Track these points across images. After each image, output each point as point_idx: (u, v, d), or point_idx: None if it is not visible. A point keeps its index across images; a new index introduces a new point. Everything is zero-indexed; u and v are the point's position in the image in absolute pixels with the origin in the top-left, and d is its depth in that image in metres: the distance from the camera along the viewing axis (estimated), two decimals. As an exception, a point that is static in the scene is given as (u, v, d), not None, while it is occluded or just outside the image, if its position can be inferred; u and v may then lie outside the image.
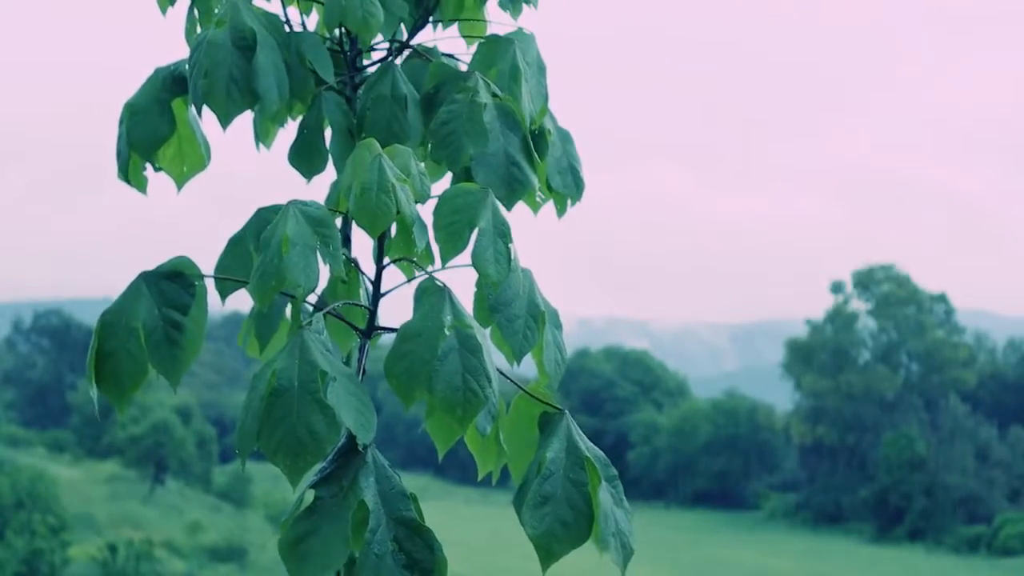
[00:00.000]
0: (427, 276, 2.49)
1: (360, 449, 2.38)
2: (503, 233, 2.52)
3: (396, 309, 2.56)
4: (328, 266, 2.45)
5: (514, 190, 2.74)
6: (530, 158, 2.79)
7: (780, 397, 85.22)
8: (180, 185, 2.97)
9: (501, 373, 2.54)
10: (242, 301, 2.59)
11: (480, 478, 2.78)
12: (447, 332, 2.40)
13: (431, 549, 2.38)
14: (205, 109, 2.68)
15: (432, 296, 2.45)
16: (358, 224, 2.45)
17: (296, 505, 2.37)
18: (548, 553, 2.43)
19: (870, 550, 65.96)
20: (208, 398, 77.45)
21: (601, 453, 2.53)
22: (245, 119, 2.77)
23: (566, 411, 2.54)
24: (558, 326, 2.70)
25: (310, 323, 2.40)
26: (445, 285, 2.47)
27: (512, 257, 2.52)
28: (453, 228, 2.49)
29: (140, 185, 2.92)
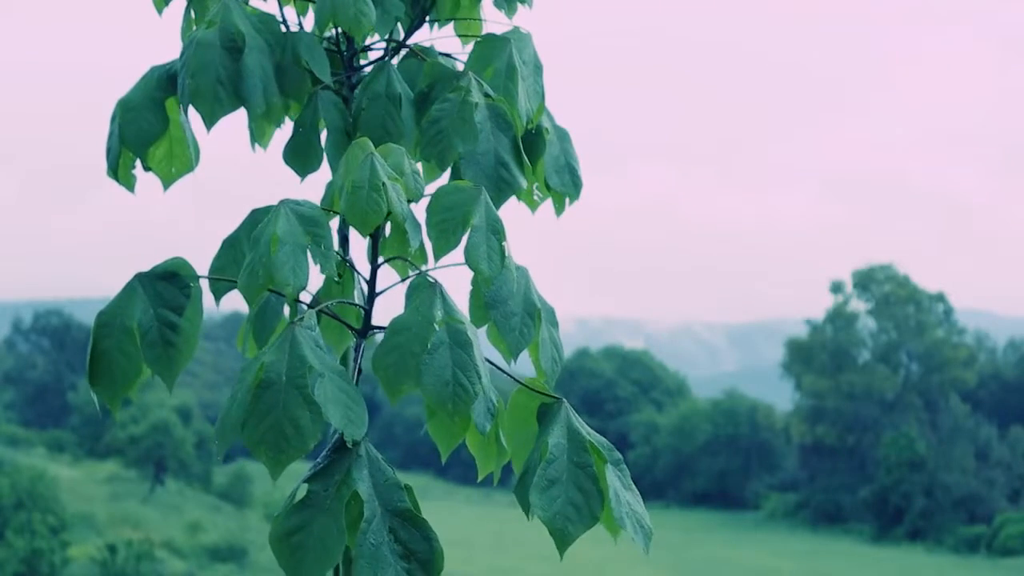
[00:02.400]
0: (420, 273, 2.49)
1: (350, 446, 2.37)
2: (496, 230, 2.52)
3: (392, 309, 2.56)
4: (319, 265, 2.44)
5: (501, 191, 2.75)
6: (519, 159, 2.79)
7: (780, 397, 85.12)
8: (167, 185, 2.97)
9: (499, 369, 2.53)
10: (242, 303, 2.59)
11: (481, 479, 2.77)
12: (437, 327, 2.40)
13: (428, 539, 2.37)
14: (192, 109, 2.69)
15: (423, 291, 2.45)
16: (349, 222, 2.45)
17: (289, 500, 2.36)
18: (563, 534, 2.39)
19: (870, 550, 65.88)
20: (208, 398, 77.33)
21: (603, 439, 2.51)
22: (243, 119, 2.77)
23: (563, 400, 2.53)
24: (554, 324, 2.70)
25: (301, 319, 2.40)
26: (436, 281, 2.47)
27: (506, 254, 2.52)
28: (445, 225, 2.50)
29: (128, 184, 2.92)
